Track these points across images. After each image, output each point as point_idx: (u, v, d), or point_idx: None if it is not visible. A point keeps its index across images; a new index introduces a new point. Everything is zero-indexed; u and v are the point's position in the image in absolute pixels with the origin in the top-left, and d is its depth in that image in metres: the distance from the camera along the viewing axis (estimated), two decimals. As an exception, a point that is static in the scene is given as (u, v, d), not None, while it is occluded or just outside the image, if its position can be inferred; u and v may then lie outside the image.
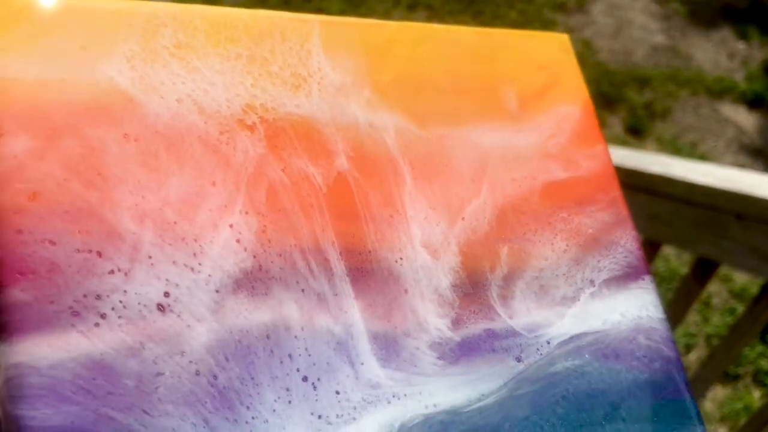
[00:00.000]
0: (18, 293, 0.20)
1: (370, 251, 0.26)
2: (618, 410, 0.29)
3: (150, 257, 0.22)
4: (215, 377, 0.22)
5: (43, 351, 0.20)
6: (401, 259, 0.27)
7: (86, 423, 0.20)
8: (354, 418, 0.24)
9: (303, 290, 0.24)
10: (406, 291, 0.26)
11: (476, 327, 0.27)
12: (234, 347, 0.23)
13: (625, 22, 1.92)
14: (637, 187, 0.77)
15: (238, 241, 0.24)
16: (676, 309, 0.88)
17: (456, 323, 0.27)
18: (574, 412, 0.28)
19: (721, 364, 0.82)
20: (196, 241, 0.23)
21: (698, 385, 0.85)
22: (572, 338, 0.29)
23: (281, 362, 0.23)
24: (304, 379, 0.24)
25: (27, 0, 0.23)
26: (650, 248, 0.85)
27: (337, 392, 0.24)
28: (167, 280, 0.22)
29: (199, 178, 0.24)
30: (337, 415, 0.24)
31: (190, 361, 0.22)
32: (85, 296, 0.21)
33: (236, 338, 0.23)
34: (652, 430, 0.29)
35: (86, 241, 0.22)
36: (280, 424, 0.23)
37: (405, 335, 0.26)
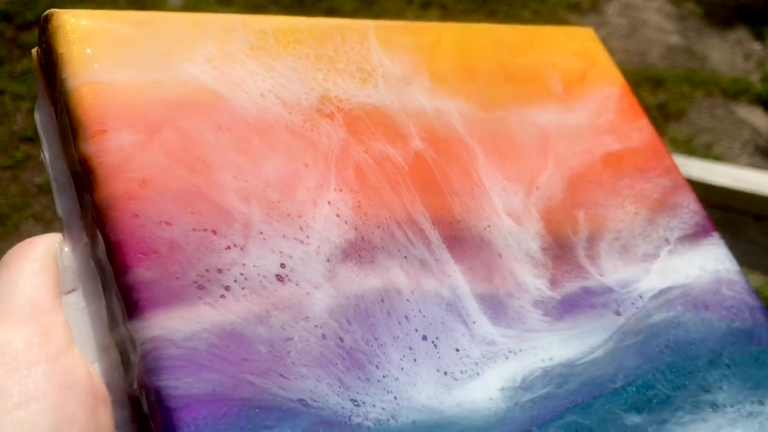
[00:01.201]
0: (144, 272, 0.21)
1: (459, 221, 0.27)
2: (720, 357, 0.28)
3: (261, 233, 0.23)
4: (341, 339, 0.22)
5: (175, 324, 0.20)
6: (489, 226, 0.27)
7: (227, 389, 0.20)
8: (477, 374, 0.24)
9: (405, 257, 0.25)
10: (500, 255, 0.27)
11: (572, 285, 0.27)
12: (353, 311, 0.23)
13: (640, 23, 1.91)
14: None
15: (338, 215, 0.24)
16: None
17: (553, 282, 0.27)
18: (680, 360, 0.28)
19: None
20: (300, 216, 0.24)
21: None
22: (661, 292, 0.29)
23: (399, 323, 0.23)
24: (424, 338, 0.24)
25: (117, 15, 0.25)
26: None
27: (457, 350, 0.24)
28: (281, 252, 0.23)
29: (292, 161, 0.25)
30: (462, 371, 0.24)
31: (316, 326, 0.22)
32: (207, 271, 0.21)
33: (353, 303, 0.23)
34: (756, 375, 0.29)
35: (200, 221, 0.22)
36: (410, 381, 0.22)
37: (508, 295, 0.26)
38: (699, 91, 1.78)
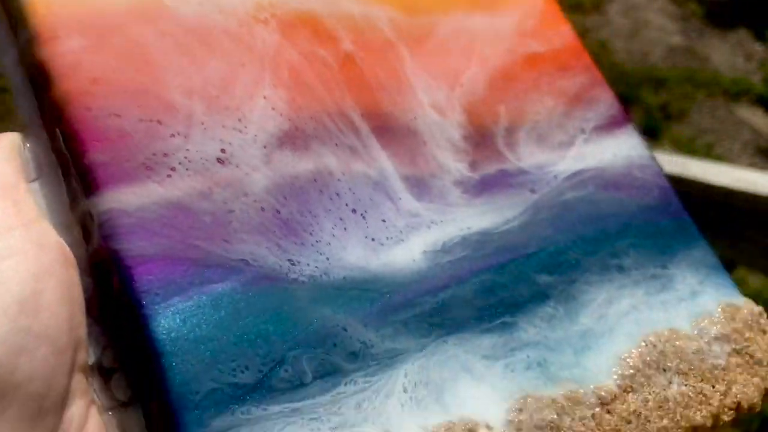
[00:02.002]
0: (98, 156, 0.24)
1: (386, 113, 0.30)
2: (628, 228, 0.32)
3: (202, 123, 0.26)
4: (278, 212, 0.25)
5: (128, 198, 0.23)
6: (415, 118, 0.30)
7: (176, 251, 0.23)
8: (402, 240, 0.27)
9: (336, 144, 0.28)
10: (425, 143, 0.30)
11: (491, 168, 0.31)
12: (289, 189, 0.26)
13: (642, 23, 1.87)
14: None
15: (273, 108, 0.27)
16: None
17: (473, 165, 0.30)
18: (591, 231, 0.31)
19: None
20: (238, 109, 0.27)
21: None
22: (575, 173, 0.32)
23: (331, 199, 0.27)
24: (353, 211, 0.27)
25: None
26: None
27: (383, 220, 0.27)
28: (221, 139, 0.26)
29: (230, 62, 0.27)
30: (387, 238, 0.27)
31: (255, 200, 0.25)
32: (154, 155, 0.24)
33: (289, 182, 0.26)
34: (660, 244, 0.32)
35: (146, 113, 0.25)
36: (341, 246, 0.26)
37: (431, 176, 0.29)
38: (700, 92, 1.74)
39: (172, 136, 0.25)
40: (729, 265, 0.76)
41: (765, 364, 0.31)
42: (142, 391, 0.22)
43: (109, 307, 0.23)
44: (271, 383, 0.22)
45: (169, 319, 0.22)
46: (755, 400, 0.30)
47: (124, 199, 0.23)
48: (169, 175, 0.24)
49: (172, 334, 0.22)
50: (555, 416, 0.26)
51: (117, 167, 0.24)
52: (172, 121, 0.25)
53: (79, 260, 0.24)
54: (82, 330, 0.22)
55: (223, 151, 0.26)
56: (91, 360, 0.23)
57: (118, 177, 0.23)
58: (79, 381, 0.22)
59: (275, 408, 0.22)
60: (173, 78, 0.26)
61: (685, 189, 0.73)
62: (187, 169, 0.25)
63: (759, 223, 0.72)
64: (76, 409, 0.21)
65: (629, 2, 2.02)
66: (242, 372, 0.22)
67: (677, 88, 1.75)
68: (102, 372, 0.23)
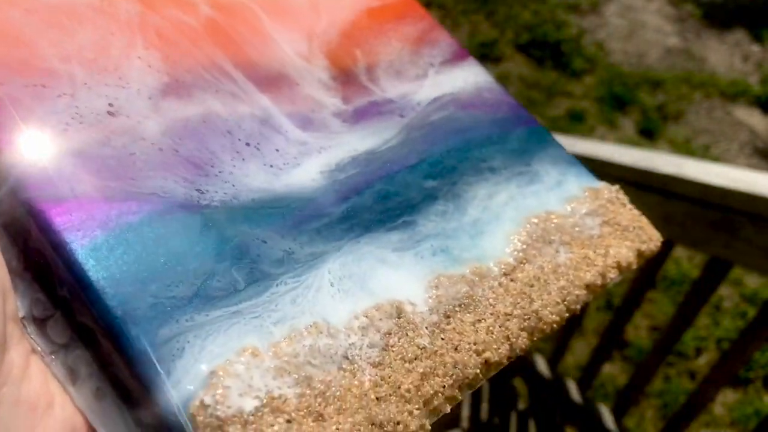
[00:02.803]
0: (-11, 119, 0.24)
1: (257, 63, 0.32)
2: (490, 138, 0.36)
3: (86, 83, 0.27)
4: (177, 150, 0.27)
5: (28, 151, 0.24)
6: (284, 65, 0.32)
7: (89, 191, 0.24)
8: (298, 164, 0.29)
9: (217, 91, 0.30)
10: (297, 84, 0.32)
11: (361, 100, 0.33)
12: (182, 130, 0.27)
13: (639, 24, 1.87)
14: (650, 187, 0.75)
15: (149, 66, 0.29)
16: (686, 311, 0.86)
17: (345, 100, 0.33)
18: (459, 143, 0.34)
19: (731, 368, 0.80)
20: (116, 69, 0.28)
21: (708, 388, 0.84)
22: (435, 99, 0.36)
23: (224, 136, 0.28)
24: (247, 144, 0.28)
25: None
26: (663, 248, 0.82)
27: (277, 150, 0.29)
28: (106, 96, 0.27)
29: (100, 30, 0.29)
30: (284, 164, 0.29)
31: (152, 143, 0.26)
32: (45, 113, 0.25)
33: (181, 125, 0.27)
34: (519, 148, 0.36)
35: (29, 79, 0.26)
36: (243, 173, 0.27)
37: (311, 111, 0.31)
38: (697, 93, 1.75)
39: (59, 96, 0.26)
40: (726, 265, 0.76)
41: (632, 230, 0.35)
42: (82, 329, 0.23)
43: (33, 260, 0.23)
44: (207, 292, 0.23)
45: (96, 251, 0.23)
46: (631, 260, 0.34)
47: (25, 153, 0.24)
48: (64, 129, 0.25)
49: (102, 263, 0.22)
50: (467, 288, 0.28)
51: (12, 126, 0.24)
52: (56, 84, 0.26)
53: None
54: (6, 281, 0.22)
55: (111, 105, 0.26)
56: (23, 312, 0.23)
57: (15, 135, 0.24)
58: (12, 329, 0.22)
59: (216, 312, 0.23)
60: (48, 48, 0.27)
61: (682, 189, 0.73)
62: (80, 123, 0.25)
63: (756, 223, 0.70)
64: (15, 354, 0.21)
65: (626, 3, 2.02)
66: (177, 287, 0.23)
67: (674, 89, 1.76)
68: (36, 322, 0.23)
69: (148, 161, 0.26)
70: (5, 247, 0.23)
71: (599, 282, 0.32)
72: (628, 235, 0.35)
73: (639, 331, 1.30)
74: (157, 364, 0.21)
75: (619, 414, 0.98)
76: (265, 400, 0.22)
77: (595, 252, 0.33)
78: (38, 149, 0.24)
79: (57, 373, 0.22)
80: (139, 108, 0.27)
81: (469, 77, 0.38)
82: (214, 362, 0.22)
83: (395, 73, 0.36)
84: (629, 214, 0.36)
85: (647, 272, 0.93)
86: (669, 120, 1.76)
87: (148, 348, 0.21)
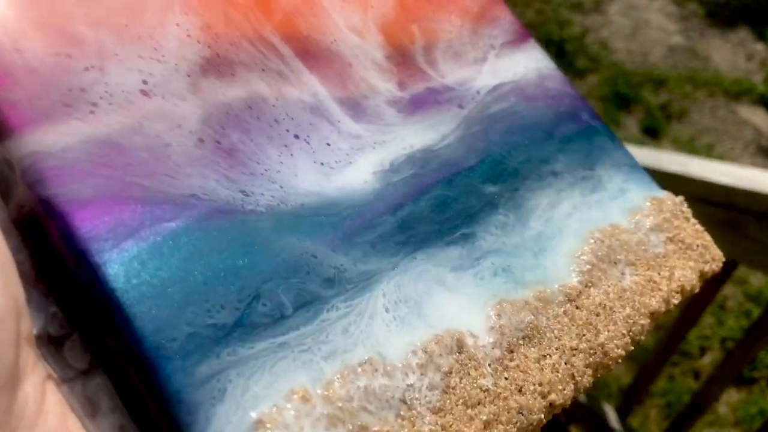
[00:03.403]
0: (5, 95, 0.20)
1: (306, 36, 0.28)
2: (553, 135, 0.32)
3: (116, 54, 0.23)
4: (218, 142, 0.23)
5: (50, 138, 0.20)
6: (335, 41, 0.28)
7: (116, 191, 0.20)
8: (350, 162, 0.25)
9: (263, 69, 0.26)
10: (350, 64, 0.28)
11: (418, 86, 0.30)
12: (224, 117, 0.24)
13: (642, 23, 1.84)
14: (654, 186, 0.75)
15: (188, 35, 0.25)
16: (691, 311, 0.85)
17: (401, 85, 0.29)
18: (521, 140, 0.31)
19: (736, 368, 0.80)
20: (151, 38, 0.24)
21: (713, 388, 0.83)
22: (495, 87, 0.32)
23: (270, 126, 0.24)
24: (296, 137, 0.25)
25: None
26: None
27: (328, 144, 0.25)
28: (140, 70, 0.23)
29: (132, -11, 0.24)
30: (336, 161, 0.25)
31: (191, 132, 0.23)
32: (70, 90, 0.21)
33: (223, 111, 0.24)
34: (584, 148, 0.33)
35: (52, 47, 0.22)
36: (291, 172, 0.24)
37: (363, 97, 0.28)
38: (701, 92, 1.72)
39: (86, 69, 0.22)
40: (731, 264, 0.75)
41: (695, 248, 0.32)
42: (105, 352, 0.20)
43: (49, 267, 0.20)
44: (251, 319, 0.20)
45: (126, 265, 0.19)
46: (694, 282, 0.31)
47: (46, 141, 0.20)
48: (91, 111, 0.21)
49: (133, 281, 0.19)
50: (532, 317, 0.25)
51: (30, 107, 0.20)
52: (83, 54, 0.22)
53: (1, 221, 0.20)
54: (20, 296, 0.19)
55: (144, 82, 0.23)
56: (36, 330, 0.19)
57: (34, 117, 0.20)
58: (27, 354, 0.18)
59: (261, 345, 0.20)
60: (74, 9, 0.23)
61: (686, 188, 0.69)
62: (110, 104, 0.22)
63: (761, 222, 0.70)
64: (30, 386, 0.18)
65: (629, 2, 1.98)
66: (218, 312, 0.20)
67: (678, 88, 1.72)
68: (52, 341, 0.20)
69: (185, 155, 0.22)
70: (17, 247, 0.20)
71: (663, 309, 0.29)
72: (692, 254, 0.32)
73: (643, 330, 1.30)
74: (194, 410, 0.18)
75: (623, 413, 0.97)
76: (316, 457, 0.19)
77: (659, 274, 0.30)
78: (60, 133, 0.20)
79: (74, 405, 0.19)
80: (176, 87, 0.23)
81: (531, 63, 0.35)
82: (260, 408, 0.19)
83: (454, 55, 0.32)
84: (692, 230, 0.33)
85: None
86: (673, 119, 1.73)
87: (184, 389, 0.18)
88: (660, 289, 0.29)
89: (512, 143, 0.31)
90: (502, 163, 0.29)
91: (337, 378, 0.20)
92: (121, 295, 0.19)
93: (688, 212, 0.33)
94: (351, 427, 0.20)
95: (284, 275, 0.21)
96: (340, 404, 0.20)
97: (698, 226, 0.33)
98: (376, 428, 0.20)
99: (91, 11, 0.23)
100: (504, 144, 0.30)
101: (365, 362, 0.21)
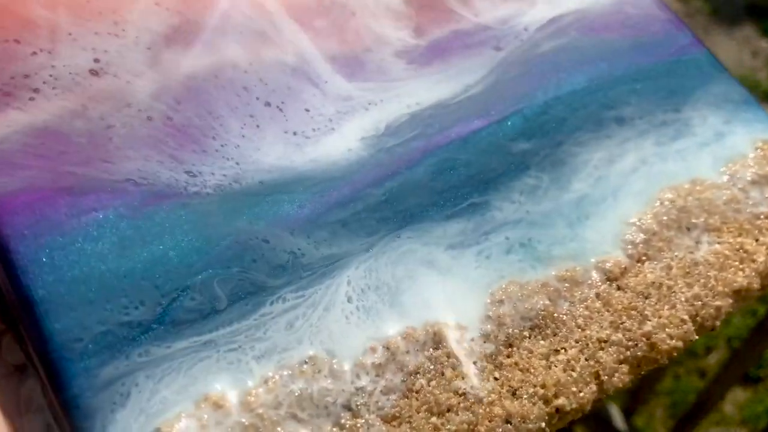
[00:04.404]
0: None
1: (302, -12, 0.25)
2: (626, 73, 0.26)
3: (70, 34, 0.22)
4: (170, 119, 0.21)
5: (-17, 131, 0.20)
6: (339, -11, 0.25)
7: (46, 181, 0.19)
8: (332, 129, 0.22)
9: (241, 32, 0.23)
10: (353, 14, 0.25)
11: (441, 31, 0.26)
12: (182, 91, 0.22)
13: None
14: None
15: (157, 4, 0.23)
16: None
17: (418, 31, 0.25)
18: (577, 82, 0.26)
19: (742, 367, 0.79)
20: (114, 12, 0.22)
21: (718, 387, 0.82)
22: (551, 21, 0.27)
23: (237, 95, 0.22)
24: (267, 104, 0.22)
25: None
26: None
27: (307, 110, 0.23)
28: (93, 48, 0.22)
29: (101, -39, 0.23)
30: (314, 129, 0.22)
31: (139, 110, 0.21)
32: (12, 78, 0.21)
33: (181, 83, 0.22)
34: (669, 84, 0.27)
35: (1, 35, 0.21)
36: (254, 146, 0.21)
37: (366, 51, 0.24)
38: None
39: (34, 54, 0.21)
40: None
41: None
42: (28, 348, 0.19)
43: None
44: (174, 316, 0.18)
45: (41, 262, 0.18)
46: None
47: (-24, 134, 0.19)
48: (32, 98, 0.20)
49: (46, 277, 0.18)
50: (547, 302, 0.21)
51: (-34, 99, 0.20)
52: (33, 38, 0.21)
53: None
54: None
55: (96, 60, 0.21)
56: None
57: (-32, 110, 0.20)
58: None
59: (181, 344, 0.18)
60: (31, -10, 0.22)
61: None
62: (54, 88, 0.21)
63: None
64: None
65: None
66: (136, 308, 0.18)
67: None
68: (-12, 336, 0.20)
69: (129, 136, 0.20)
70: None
71: (757, 285, 0.23)
72: (817, 213, 0.24)
73: (648, 329, 1.22)
74: (91, 416, 0.17)
75: (628, 413, 0.95)
76: (218, 473, 0.17)
77: (756, 240, 0.23)
78: (-4, 126, 0.20)
79: (7, 401, 0.19)
80: (132, 62, 0.22)
81: (609, -15, 0.29)
82: (165, 415, 0.17)
83: (498, -14, 0.27)
84: None
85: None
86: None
87: (84, 393, 0.17)
88: (753, 261, 0.23)
89: (564, 87, 0.25)
90: (545, 113, 0.25)
91: (267, 381, 0.18)
92: (33, 293, 0.18)
93: None
94: None
95: (224, 264, 0.19)
96: (261, 411, 0.18)
97: None
98: (301, 440, 0.17)
99: (52, -9, 0.22)
100: (552, 88, 0.25)
101: (307, 362, 0.19)
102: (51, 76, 0.21)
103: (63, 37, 0.22)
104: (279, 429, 0.17)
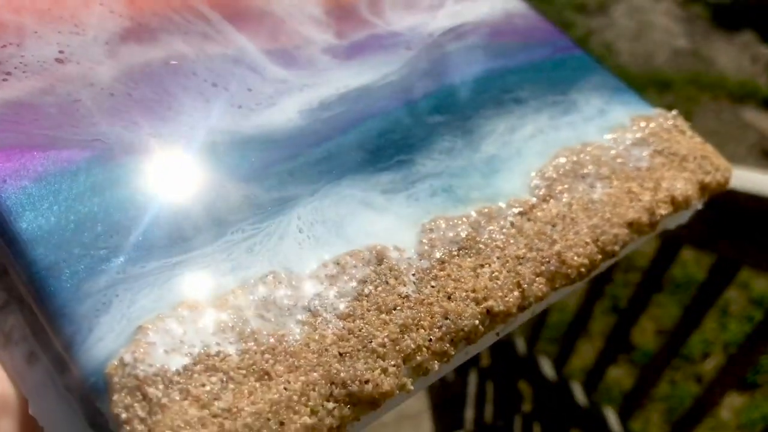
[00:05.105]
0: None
1: (237, 2, 0.29)
2: (518, 67, 0.31)
3: (36, 32, 0.25)
4: (130, 95, 0.24)
5: (-39, 104, 0.22)
6: (269, 3, 0.29)
7: (22, 141, 0.22)
8: (273, 104, 0.26)
9: (186, 33, 0.27)
10: (283, 21, 0.29)
11: (359, 35, 0.30)
12: (139, 74, 0.25)
13: (647, 25, 1.85)
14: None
15: (111, 12, 0.26)
16: (693, 315, 0.84)
17: (339, 35, 0.29)
18: (478, 73, 0.30)
19: (738, 372, 0.79)
20: (73, 17, 0.26)
21: (715, 392, 0.83)
22: (452, 29, 0.32)
23: (187, 78, 0.25)
24: (214, 85, 0.26)
25: None
26: (669, 249, 0.83)
27: (249, 89, 0.26)
28: (58, 43, 0.25)
29: (59, -21, 0.27)
30: (257, 103, 0.26)
31: (102, 89, 0.24)
32: (-15, 64, 0.23)
33: (138, 70, 0.25)
34: (555, 77, 0.31)
35: (-28, 31, 0.24)
36: (204, 115, 0.24)
37: (296, 48, 0.28)
38: (705, 95, 1.71)
39: (3, 46, 0.24)
40: (734, 267, 0.74)
41: (692, 159, 0.30)
42: (13, 281, 0.21)
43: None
44: (144, 243, 0.21)
45: (25, 200, 0.20)
46: (690, 192, 0.28)
47: (-45, 106, 0.22)
48: (5, 80, 0.23)
49: (30, 213, 0.20)
50: (470, 230, 0.24)
51: (-56, 80, 0.22)
52: (2, 35, 0.24)
53: None
54: None
55: (61, 52, 0.24)
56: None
57: (-54, 88, 0.22)
58: None
59: (154, 264, 0.20)
60: (-2, -1, 0.25)
61: None
62: (24, 72, 0.23)
63: (765, 225, 0.69)
64: None
65: (634, 4, 1.99)
66: (111, 237, 0.20)
67: (682, 90, 1.70)
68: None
69: (94, 107, 0.23)
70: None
71: (646, 219, 0.27)
72: (688, 165, 0.29)
73: (645, 334, 1.26)
74: (78, 321, 0.19)
75: (624, 417, 0.96)
76: (197, 358, 0.19)
77: (642, 186, 0.28)
78: (-27, 101, 0.22)
79: None
80: (92, 54, 0.25)
81: (497, 3, 0.34)
82: (146, 317, 0.19)
83: (405, 3, 0.32)
84: (689, 142, 0.30)
85: (654, 275, 0.88)
86: (677, 122, 1.67)
87: (69, 303, 0.19)
88: (640, 200, 0.27)
89: (468, 76, 0.30)
90: (452, 95, 0.29)
91: (234, 290, 0.20)
92: (16, 225, 0.20)
93: (684, 125, 0.31)
94: (242, 332, 0.19)
95: (187, 203, 0.22)
96: (231, 312, 0.20)
97: (697, 139, 0.30)
98: (270, 332, 0.20)
99: (14, 0, 0.25)
100: (458, 78, 0.30)
101: (267, 275, 0.21)
102: (21, 62, 0.24)
103: (30, 35, 0.24)
104: (248, 325, 0.20)
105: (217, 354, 0.19)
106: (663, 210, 0.27)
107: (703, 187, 0.29)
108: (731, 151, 1.59)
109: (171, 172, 0.22)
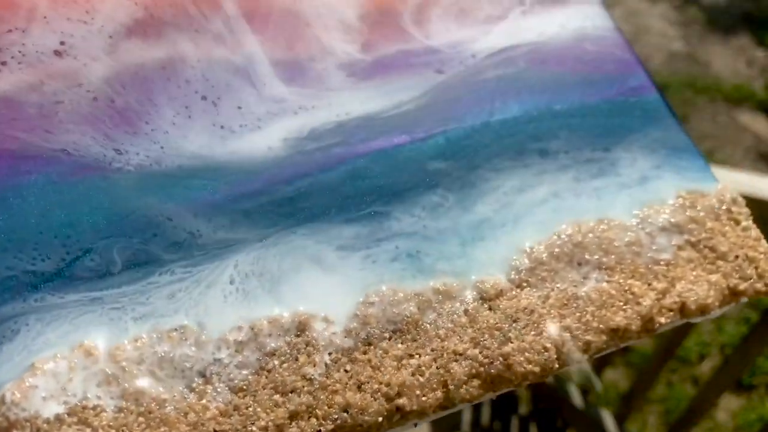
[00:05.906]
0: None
1: (265, -4, 0.27)
2: (566, 107, 0.27)
3: (45, 17, 0.25)
4: (113, 101, 0.24)
5: (-48, 93, 0.23)
6: (300, 0, 0.27)
7: (-7, 143, 0.22)
8: (259, 127, 0.25)
9: (197, 31, 0.26)
10: (308, 24, 0.27)
11: (389, 48, 0.27)
12: (130, 77, 0.25)
13: (643, 29, 1.84)
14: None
15: (129, -2, 0.26)
16: None
17: (366, 47, 0.27)
18: (512, 111, 0.27)
19: (734, 374, 0.79)
20: (87, 2, 0.26)
21: (711, 394, 0.83)
22: (502, 50, 0.28)
23: (178, 87, 0.25)
24: (203, 98, 0.25)
25: None
26: None
27: (239, 107, 0.25)
28: (62, 32, 0.25)
29: (88, -45, 0.26)
30: (241, 125, 0.25)
31: (88, 91, 0.24)
32: (-14, 50, 0.24)
33: (132, 71, 0.25)
34: (607, 123, 0.27)
35: (-14, 11, 0.24)
36: (181, 134, 0.24)
37: (310, 60, 0.26)
38: (701, 98, 1.72)
39: (9, 31, 0.24)
40: None
41: (731, 258, 0.25)
42: None
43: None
44: (72, 272, 0.21)
45: (-28, 209, 0.21)
46: (709, 301, 0.25)
47: (-54, 95, 0.23)
48: (-2, 70, 0.24)
49: (-27, 224, 0.21)
50: (416, 310, 0.22)
51: (-56, 64, 0.23)
52: (12, 17, 0.25)
53: None
54: None
55: (62, 43, 0.25)
56: None
57: (-56, 73, 0.23)
58: None
59: (73, 296, 0.21)
60: (21, -25, 0.25)
61: None
62: (19, 63, 0.24)
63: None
64: None
65: (630, 8, 1.99)
66: (43, 261, 0.21)
67: (678, 93, 1.73)
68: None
69: (74, 112, 0.24)
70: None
71: (636, 328, 0.24)
72: (722, 266, 0.25)
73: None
74: (-17, 344, 0.20)
75: (621, 419, 0.96)
76: (73, 408, 0.19)
77: (648, 285, 0.24)
78: (-36, 90, 0.23)
79: None
80: (92, 48, 0.25)
81: (572, 21, 0.30)
82: (44, 354, 0.20)
83: (459, 11, 0.29)
84: (738, 236, 0.26)
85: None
86: (672, 125, 1.61)
87: None
88: (638, 303, 0.24)
89: (496, 115, 0.27)
90: (469, 138, 0.26)
91: (137, 340, 0.21)
92: (-40, 235, 0.21)
93: (743, 214, 0.26)
94: (126, 388, 0.20)
95: (127, 234, 0.22)
96: (124, 364, 0.20)
97: (753, 233, 0.26)
98: (154, 394, 0.20)
99: (39, -23, 0.26)
100: (483, 115, 0.27)
101: (177, 329, 0.21)
102: (20, 52, 0.24)
103: (38, 19, 0.25)
104: (136, 381, 0.20)
105: (94, 408, 0.20)
106: (664, 319, 0.24)
107: (734, 294, 0.25)
108: (727, 153, 1.63)
109: (121, 198, 0.22)
